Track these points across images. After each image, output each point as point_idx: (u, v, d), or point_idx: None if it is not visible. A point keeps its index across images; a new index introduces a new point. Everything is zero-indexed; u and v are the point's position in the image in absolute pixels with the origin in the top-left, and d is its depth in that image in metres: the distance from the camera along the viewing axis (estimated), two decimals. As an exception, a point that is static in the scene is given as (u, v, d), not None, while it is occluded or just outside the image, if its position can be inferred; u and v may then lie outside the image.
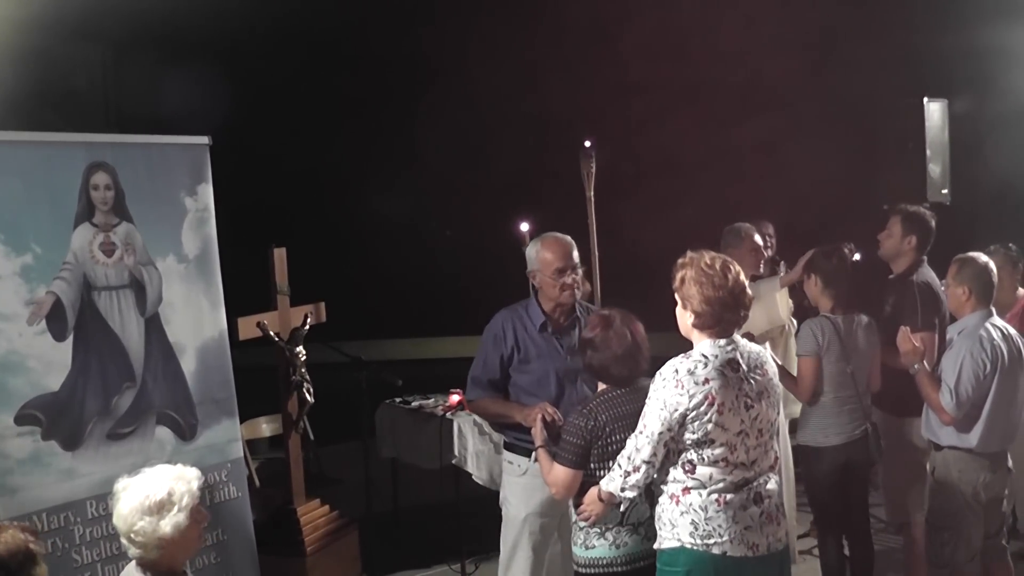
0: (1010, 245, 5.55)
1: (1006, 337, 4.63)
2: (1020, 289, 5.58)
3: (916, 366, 4.65)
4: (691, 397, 3.39)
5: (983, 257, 4.71)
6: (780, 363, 5.15)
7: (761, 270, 5.58)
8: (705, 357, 3.46)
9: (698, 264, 3.53)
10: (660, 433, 3.42)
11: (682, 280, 3.54)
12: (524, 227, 5.65)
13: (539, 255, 4.47)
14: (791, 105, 9.18)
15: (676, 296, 3.58)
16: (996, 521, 4.75)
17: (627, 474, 3.50)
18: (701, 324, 3.51)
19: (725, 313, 3.48)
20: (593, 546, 3.76)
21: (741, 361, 3.49)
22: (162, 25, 9.20)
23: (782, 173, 8.96)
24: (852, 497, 4.97)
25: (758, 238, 5.54)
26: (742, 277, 3.53)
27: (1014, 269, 5.53)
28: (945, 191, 6.85)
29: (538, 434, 4.01)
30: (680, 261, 3.57)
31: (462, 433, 5.94)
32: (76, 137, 4.82)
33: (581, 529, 3.78)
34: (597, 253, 5.37)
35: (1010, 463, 4.73)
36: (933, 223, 5.22)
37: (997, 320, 4.69)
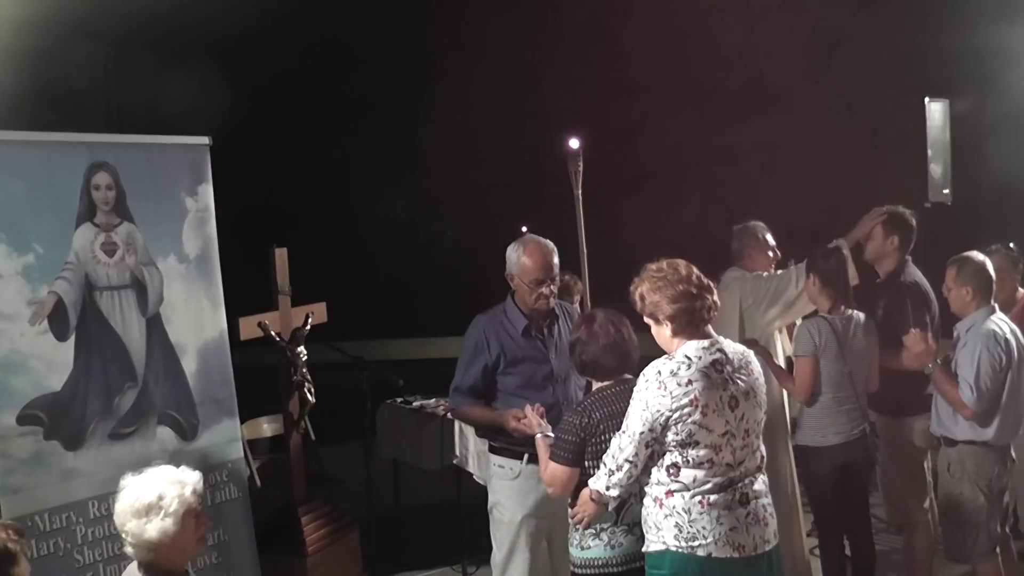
0: (1011, 245, 5.56)
1: (1012, 331, 4.70)
2: (1020, 289, 5.58)
3: (931, 365, 4.68)
4: (674, 399, 3.40)
5: (978, 255, 4.76)
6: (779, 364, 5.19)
7: (773, 270, 5.55)
8: (688, 359, 3.47)
9: (648, 275, 3.57)
10: (642, 433, 3.43)
11: (641, 297, 3.57)
12: (524, 229, 5.64)
13: (519, 261, 4.46)
14: (792, 105, 9.18)
15: (645, 319, 3.60)
16: (1002, 512, 4.82)
17: (611, 472, 3.52)
18: (679, 328, 3.52)
19: (695, 303, 3.50)
20: (589, 547, 3.77)
21: (726, 362, 3.50)
22: (162, 25, 9.20)
23: (783, 173, 8.95)
24: (852, 497, 4.97)
25: (770, 237, 5.53)
26: (692, 267, 3.57)
27: (1014, 269, 5.54)
28: (947, 191, 6.86)
29: (534, 425, 4.01)
30: (631, 288, 3.61)
31: (463, 433, 5.94)
32: (77, 137, 4.82)
33: (577, 530, 3.78)
34: (586, 252, 5.37)
35: (1013, 454, 4.79)
36: (914, 222, 5.23)
37: (1001, 315, 4.75)
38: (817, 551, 5.34)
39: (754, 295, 5.29)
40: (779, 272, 5.40)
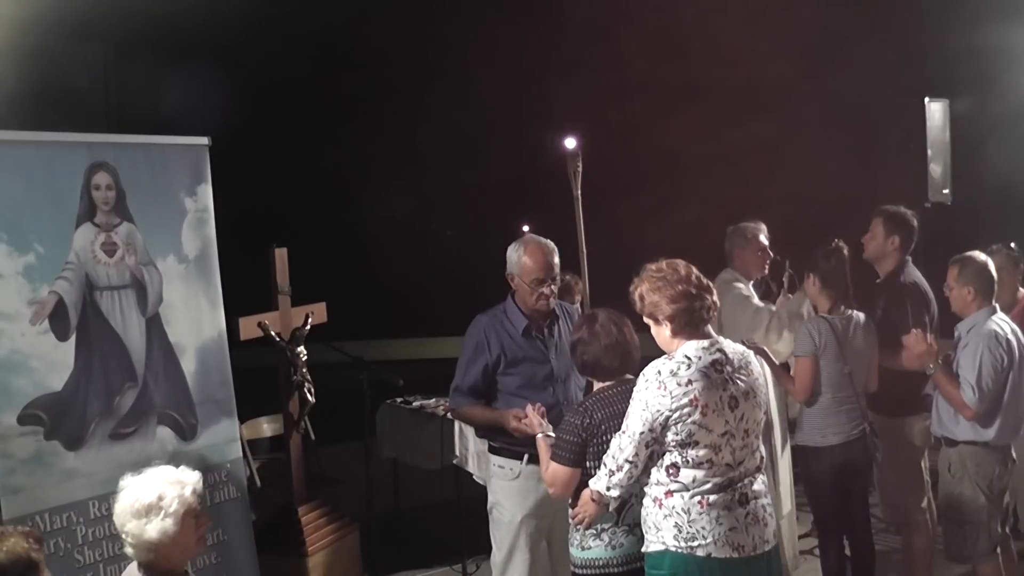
0: (1011, 245, 5.56)
1: (1013, 332, 4.71)
2: (1021, 289, 5.58)
3: (932, 366, 4.68)
4: (674, 399, 3.40)
5: (980, 255, 4.76)
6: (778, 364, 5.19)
7: (766, 271, 5.54)
8: (688, 359, 3.47)
9: (647, 275, 3.57)
10: (642, 433, 3.43)
11: (641, 297, 3.58)
12: (525, 228, 5.65)
13: (520, 260, 4.46)
14: (792, 105, 9.18)
15: (645, 319, 3.60)
16: (1002, 512, 4.83)
17: (611, 473, 3.52)
18: (679, 328, 3.52)
19: (695, 303, 3.50)
20: (589, 547, 3.77)
21: (725, 362, 3.50)
22: (162, 25, 9.21)
23: (783, 173, 8.96)
24: (852, 497, 4.97)
25: (764, 238, 5.50)
26: (692, 268, 3.58)
27: (1015, 269, 5.53)
28: (946, 191, 6.87)
29: (535, 425, 4.01)
30: (630, 288, 3.61)
31: (463, 433, 5.94)
32: (77, 137, 4.82)
33: (577, 530, 3.78)
34: (586, 252, 5.37)
35: (1014, 454, 4.80)
36: (915, 222, 5.22)
37: (1002, 315, 4.76)
38: (817, 551, 5.34)
39: (730, 314, 5.26)
40: (757, 307, 5.34)
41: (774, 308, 5.36)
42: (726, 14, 9.19)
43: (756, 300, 5.46)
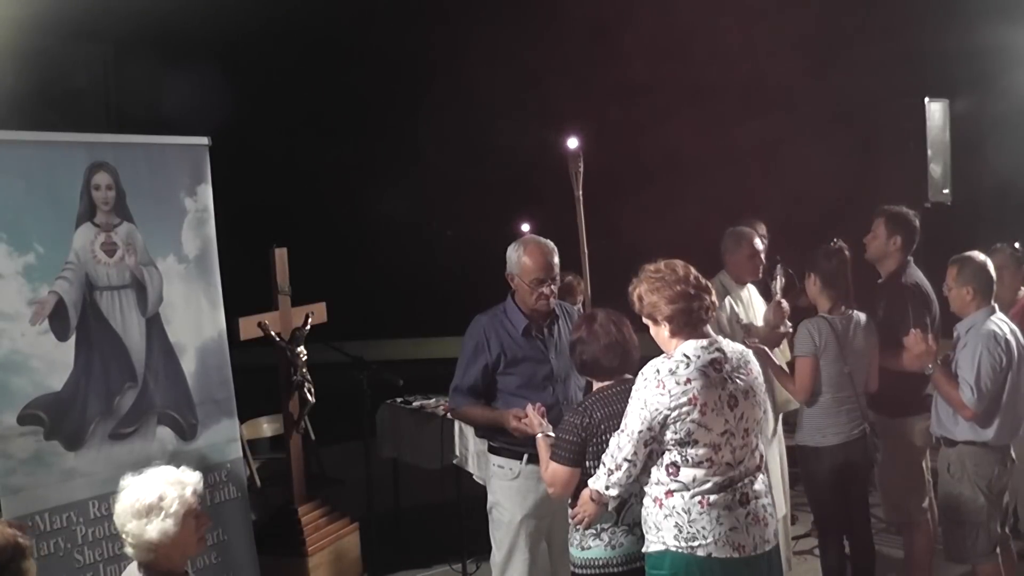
0: (1015, 244, 5.55)
1: (1012, 332, 4.71)
2: (1022, 288, 5.58)
3: (931, 366, 4.68)
4: (672, 397, 3.40)
5: (979, 255, 4.76)
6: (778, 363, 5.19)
7: (760, 275, 5.52)
8: (687, 357, 3.47)
9: (645, 276, 3.58)
10: (640, 432, 3.44)
11: (639, 298, 3.58)
12: (525, 227, 5.65)
13: (520, 260, 4.47)
14: (792, 105, 9.17)
15: (644, 320, 3.60)
16: (1002, 512, 4.83)
17: (610, 472, 3.52)
18: (678, 328, 3.53)
19: (693, 304, 3.50)
20: (589, 547, 3.77)
21: (724, 361, 3.50)
22: (162, 25, 9.20)
23: (783, 173, 8.96)
24: (852, 497, 4.97)
25: (758, 242, 5.47)
26: (690, 268, 3.58)
27: (1017, 268, 5.53)
28: (946, 191, 6.87)
29: (535, 425, 4.01)
30: (629, 288, 3.62)
31: (463, 433, 5.95)
32: (77, 137, 4.83)
33: (577, 530, 3.78)
34: (587, 252, 5.37)
35: (1013, 454, 4.80)
36: (917, 222, 5.22)
37: (1001, 315, 4.76)
38: (816, 551, 5.34)
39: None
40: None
41: None
42: (726, 14, 9.18)
43: (726, 320, 5.35)
